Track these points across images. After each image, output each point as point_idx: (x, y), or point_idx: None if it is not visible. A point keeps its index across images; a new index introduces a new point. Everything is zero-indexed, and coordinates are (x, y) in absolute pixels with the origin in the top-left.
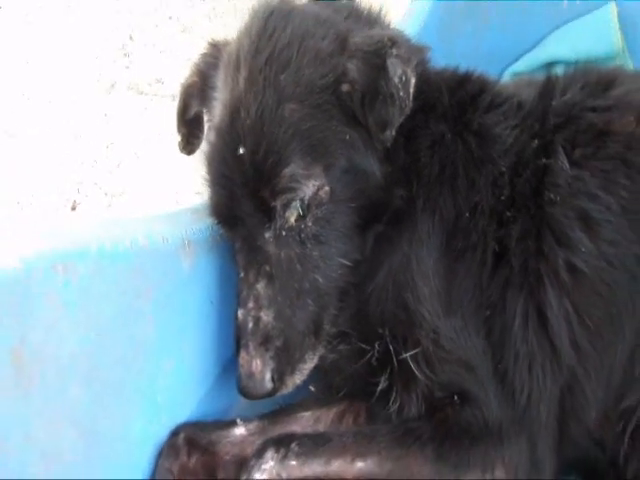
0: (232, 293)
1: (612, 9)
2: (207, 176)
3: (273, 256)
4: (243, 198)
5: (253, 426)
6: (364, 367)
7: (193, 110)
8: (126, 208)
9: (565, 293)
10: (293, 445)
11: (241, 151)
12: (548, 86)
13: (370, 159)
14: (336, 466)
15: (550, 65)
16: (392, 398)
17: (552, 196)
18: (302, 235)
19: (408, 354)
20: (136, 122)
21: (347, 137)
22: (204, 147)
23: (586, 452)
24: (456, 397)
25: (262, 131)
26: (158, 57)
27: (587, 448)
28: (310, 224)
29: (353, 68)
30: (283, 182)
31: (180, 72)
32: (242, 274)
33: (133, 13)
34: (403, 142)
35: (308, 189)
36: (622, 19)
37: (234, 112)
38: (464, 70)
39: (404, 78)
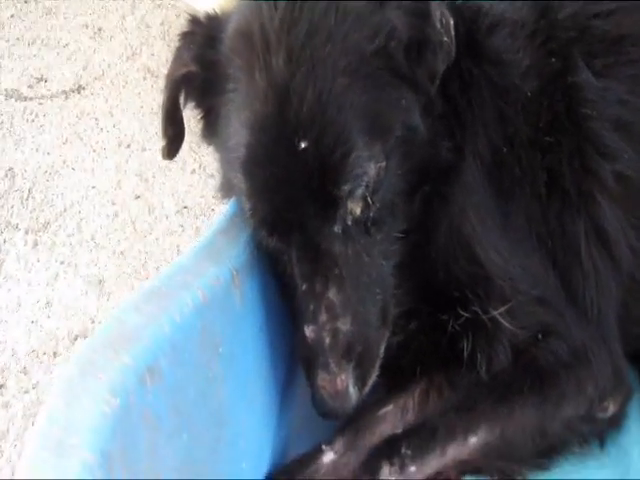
0: (275, 313)
1: None
2: (249, 183)
3: (341, 256)
4: (305, 199)
5: (340, 446)
6: (441, 337)
7: (185, 107)
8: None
9: (615, 202)
10: (403, 450)
11: (303, 145)
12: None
13: (417, 116)
14: (452, 452)
15: None
16: (479, 358)
17: (587, 111)
18: (368, 224)
19: (498, 311)
20: (30, 135)
21: (403, 102)
22: (231, 152)
23: None
24: (540, 335)
25: (324, 118)
26: (29, 51)
27: None
28: (374, 208)
29: (399, 22)
30: (349, 171)
31: (61, 62)
32: (304, 286)
33: None
34: (439, 88)
35: (372, 171)
36: None
37: (281, 101)
38: None
39: (444, 21)
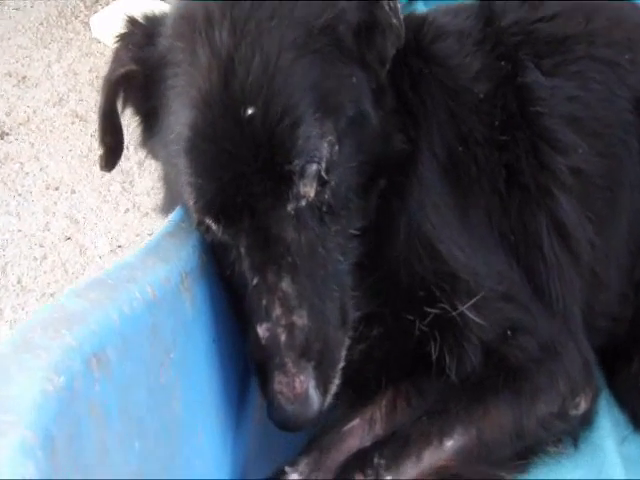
0: (229, 328)
1: None
2: (193, 164)
3: (293, 243)
4: (254, 175)
5: (304, 466)
6: (407, 341)
7: (124, 111)
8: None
9: (573, 196)
10: (376, 460)
11: (250, 112)
12: (486, 11)
13: (369, 99)
14: (428, 457)
15: None
16: (448, 361)
17: (539, 109)
18: (322, 209)
19: (465, 306)
20: None
21: (353, 80)
22: (174, 143)
23: (605, 332)
24: (508, 331)
25: (271, 86)
26: None
27: (606, 327)
28: (329, 193)
29: (347, 5)
30: (299, 144)
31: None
32: (256, 279)
33: None
34: (388, 84)
35: (324, 150)
36: None
37: (226, 72)
38: None
39: (392, 4)
